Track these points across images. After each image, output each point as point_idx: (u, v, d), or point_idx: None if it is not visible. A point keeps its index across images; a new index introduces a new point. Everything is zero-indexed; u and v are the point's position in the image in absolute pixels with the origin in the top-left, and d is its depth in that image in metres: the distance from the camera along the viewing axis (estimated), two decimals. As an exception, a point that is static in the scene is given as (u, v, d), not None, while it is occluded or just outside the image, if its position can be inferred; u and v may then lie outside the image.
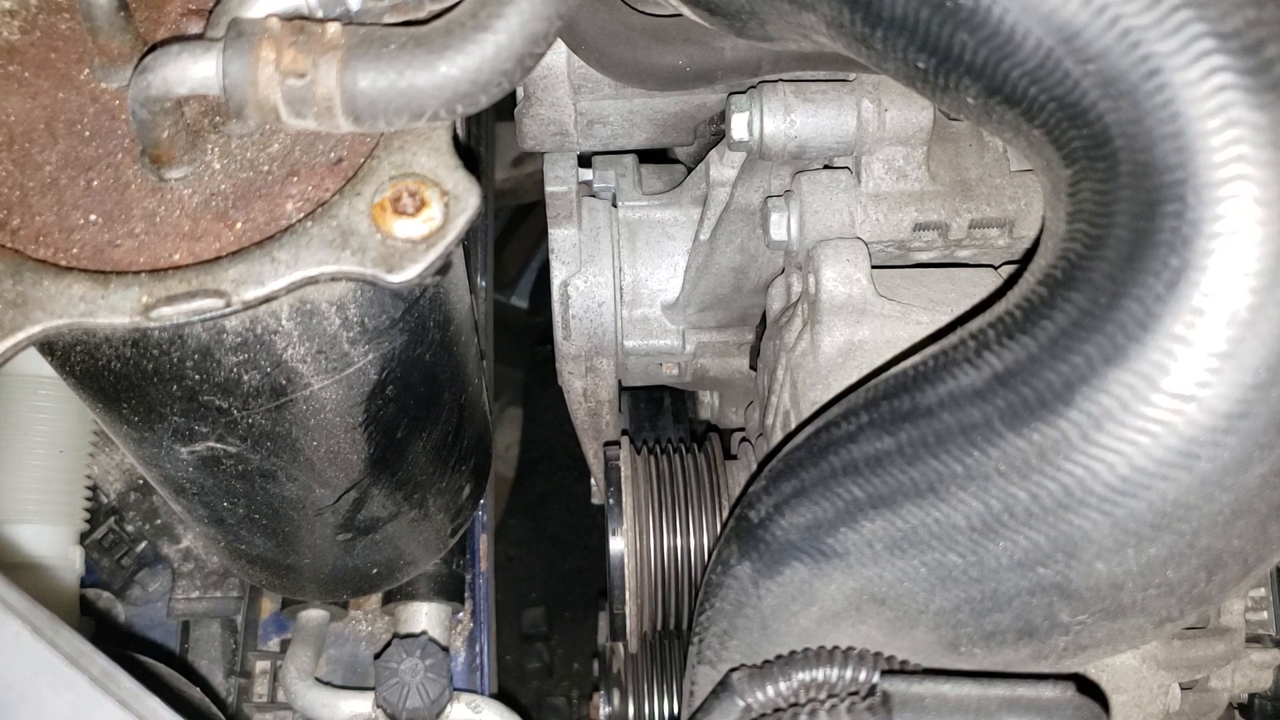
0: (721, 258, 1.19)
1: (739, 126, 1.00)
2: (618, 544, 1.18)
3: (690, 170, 1.30)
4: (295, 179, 0.74)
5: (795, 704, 0.72)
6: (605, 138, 1.19)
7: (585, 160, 1.27)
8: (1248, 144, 0.59)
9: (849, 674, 0.72)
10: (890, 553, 0.70)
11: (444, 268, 0.84)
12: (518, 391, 2.82)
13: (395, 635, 1.36)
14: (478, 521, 1.52)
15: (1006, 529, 0.66)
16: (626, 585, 1.18)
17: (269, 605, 1.48)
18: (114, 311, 0.67)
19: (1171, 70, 0.60)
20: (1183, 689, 0.94)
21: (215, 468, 0.88)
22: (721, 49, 0.97)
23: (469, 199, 0.70)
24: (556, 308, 1.26)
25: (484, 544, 1.52)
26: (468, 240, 0.73)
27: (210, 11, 0.74)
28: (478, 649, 1.48)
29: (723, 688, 0.74)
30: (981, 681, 0.68)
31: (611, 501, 1.20)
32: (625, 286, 1.26)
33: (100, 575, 1.46)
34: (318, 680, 1.35)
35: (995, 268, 1.01)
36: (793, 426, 0.96)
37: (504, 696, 1.39)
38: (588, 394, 1.34)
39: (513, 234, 2.88)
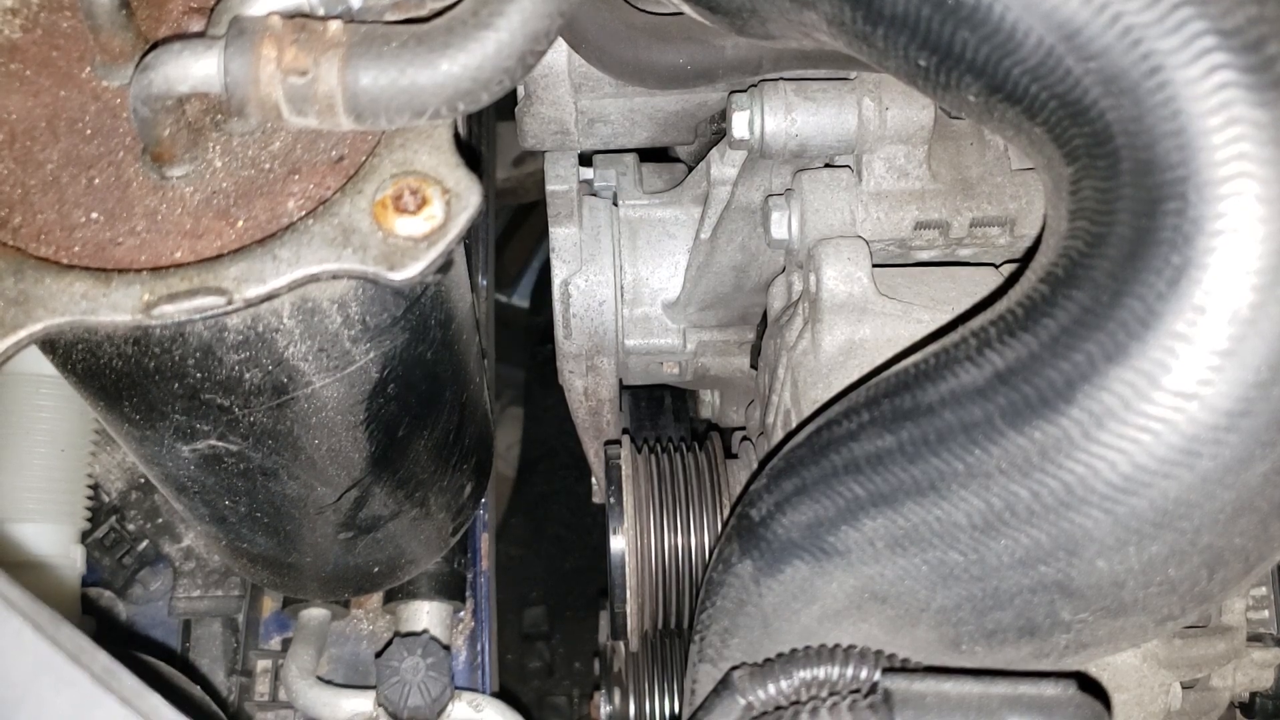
0: (722, 256, 1.19)
1: (740, 125, 1.00)
2: (618, 543, 1.18)
3: (691, 169, 1.30)
4: (297, 177, 0.74)
5: (796, 702, 0.72)
6: (606, 136, 1.19)
7: (586, 159, 1.27)
8: (1249, 142, 0.59)
9: (850, 672, 0.72)
10: (891, 551, 0.70)
11: (445, 266, 0.84)
12: (519, 391, 2.82)
13: (396, 634, 1.36)
14: (479, 520, 1.52)
15: (1008, 527, 0.66)
16: (627, 584, 1.18)
17: (270, 604, 1.48)
18: (115, 309, 0.68)
19: (1173, 68, 0.60)
20: (1184, 688, 0.94)
21: (217, 466, 0.88)
22: (722, 47, 0.97)
23: (470, 197, 0.70)
24: (557, 307, 1.26)
25: (485, 543, 1.52)
26: (469, 239, 0.73)
27: (212, 9, 0.74)
28: (479, 648, 1.48)
29: (724, 686, 0.74)
30: (983, 679, 0.68)
31: (612, 500, 1.20)
32: (626, 285, 1.26)
33: (101, 574, 1.46)
34: (319, 679, 1.35)
35: (996, 266, 1.01)
36: (794, 425, 0.96)
37: (505, 695, 1.39)
38: (588, 393, 1.34)
39: (514, 233, 2.88)
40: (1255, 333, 0.59)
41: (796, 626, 0.77)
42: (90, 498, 1.41)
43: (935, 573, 0.69)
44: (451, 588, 1.41)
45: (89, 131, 0.76)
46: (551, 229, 1.24)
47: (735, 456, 1.26)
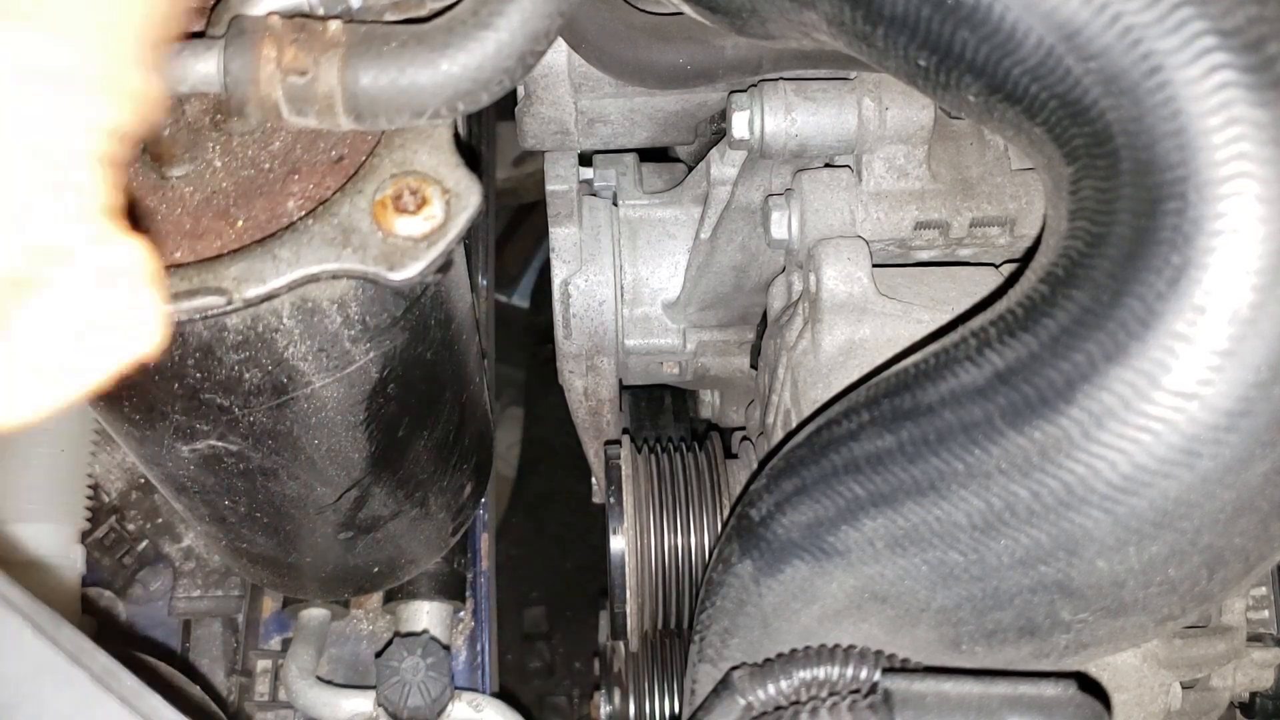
0: (722, 256, 1.19)
1: (740, 125, 1.00)
2: (618, 543, 1.18)
3: (691, 169, 1.30)
4: (296, 177, 0.74)
5: (796, 702, 0.72)
6: (606, 136, 1.19)
7: (586, 159, 1.27)
8: (1249, 141, 0.59)
9: (850, 672, 0.72)
10: (891, 551, 0.70)
11: (445, 266, 0.84)
12: (519, 391, 2.82)
13: (396, 634, 1.36)
14: (479, 520, 1.52)
15: (1008, 527, 0.66)
16: (627, 584, 1.18)
17: (270, 604, 1.48)
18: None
19: (1172, 68, 0.60)
20: (1184, 688, 0.94)
21: (217, 466, 0.88)
22: (722, 47, 0.97)
23: (470, 197, 0.70)
24: (557, 307, 1.26)
25: (485, 543, 1.52)
26: (469, 239, 0.73)
27: (211, 9, 0.74)
28: (479, 648, 1.48)
29: (724, 686, 0.74)
30: (983, 679, 0.67)
31: (612, 500, 1.20)
32: (626, 285, 1.26)
33: (101, 574, 1.46)
34: (319, 679, 1.35)
35: (996, 266, 1.01)
36: (793, 425, 0.96)
37: (505, 695, 1.39)
38: (588, 393, 1.34)
39: (513, 234, 2.88)
40: (1255, 332, 0.59)
41: (796, 626, 0.77)
42: (90, 498, 1.41)
43: (935, 573, 0.69)
44: (451, 588, 1.41)
45: (89, 131, 0.76)
46: (551, 229, 1.24)
47: (735, 456, 1.26)
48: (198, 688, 1.26)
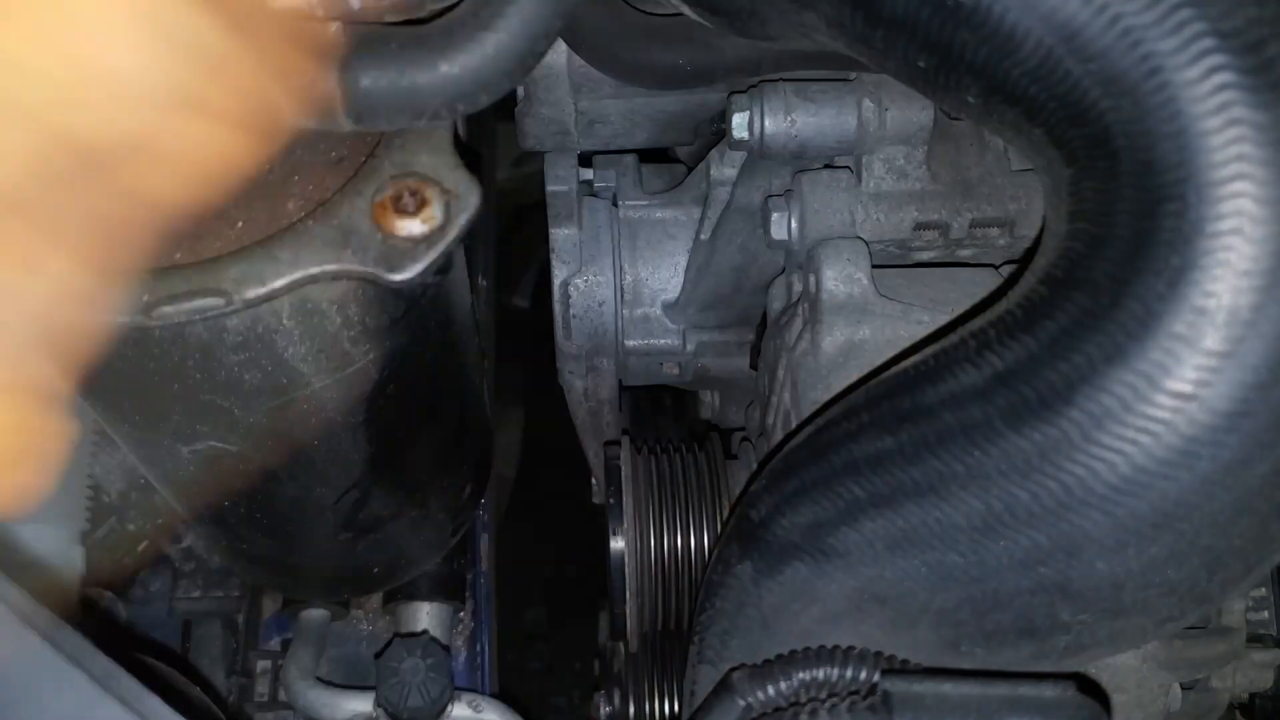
0: (722, 257, 1.19)
1: (739, 126, 1.00)
2: (618, 543, 1.18)
3: (691, 170, 1.30)
4: (296, 178, 0.74)
5: (796, 703, 0.72)
6: (606, 137, 1.19)
7: (586, 159, 1.27)
8: (1249, 143, 0.59)
9: (849, 673, 0.72)
10: (891, 552, 0.70)
11: (445, 267, 0.83)
12: (519, 391, 2.81)
13: (396, 634, 1.36)
14: (479, 521, 1.51)
15: (1007, 528, 0.66)
16: (627, 584, 1.18)
17: (270, 605, 1.48)
18: (115, 310, 0.68)
19: (1172, 69, 0.60)
20: (1183, 689, 0.94)
21: (217, 466, 0.88)
22: (722, 48, 0.97)
23: (469, 198, 0.70)
24: (557, 307, 1.26)
25: (485, 543, 1.52)
26: (469, 240, 0.73)
27: (211, 11, 0.74)
28: (479, 648, 1.48)
29: (723, 687, 0.75)
30: (982, 681, 0.68)
31: (612, 501, 1.20)
32: (626, 286, 1.26)
33: (102, 574, 1.46)
34: (319, 680, 1.35)
35: (996, 267, 1.01)
36: (793, 426, 0.96)
37: (505, 696, 1.39)
38: (588, 393, 1.34)
39: (514, 234, 2.88)
40: (1255, 334, 0.59)
41: (796, 627, 0.77)
42: (90, 498, 1.41)
43: (935, 574, 0.69)
44: (451, 588, 1.41)
45: (89, 132, 0.76)
46: (551, 229, 1.24)
47: (735, 457, 1.26)
48: (197, 688, 1.26)
